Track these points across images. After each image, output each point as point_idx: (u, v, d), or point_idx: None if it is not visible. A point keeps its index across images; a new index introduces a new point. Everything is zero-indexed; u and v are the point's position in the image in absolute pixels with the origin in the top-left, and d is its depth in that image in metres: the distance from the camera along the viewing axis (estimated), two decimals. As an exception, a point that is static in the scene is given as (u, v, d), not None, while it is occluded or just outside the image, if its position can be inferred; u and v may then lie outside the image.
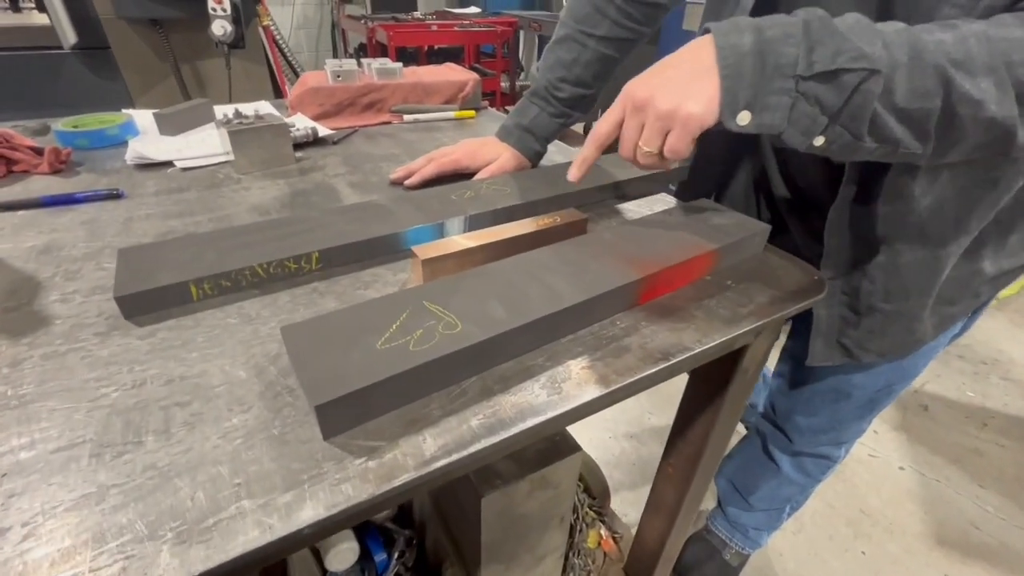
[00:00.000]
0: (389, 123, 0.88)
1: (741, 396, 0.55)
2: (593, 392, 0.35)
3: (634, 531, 0.86)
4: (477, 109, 0.96)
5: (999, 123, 0.36)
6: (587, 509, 0.80)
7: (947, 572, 1.09)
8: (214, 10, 1.35)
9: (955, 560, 1.11)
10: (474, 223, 0.54)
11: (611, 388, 0.35)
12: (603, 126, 0.44)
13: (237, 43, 1.41)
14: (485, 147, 0.67)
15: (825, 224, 0.53)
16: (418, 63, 3.26)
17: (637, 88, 0.40)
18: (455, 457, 0.30)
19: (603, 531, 0.79)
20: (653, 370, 0.37)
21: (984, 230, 0.50)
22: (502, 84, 3.08)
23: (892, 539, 1.15)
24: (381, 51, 2.73)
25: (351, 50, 3.39)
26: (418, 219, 0.51)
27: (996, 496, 1.24)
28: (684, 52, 0.40)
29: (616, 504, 1.17)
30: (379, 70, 0.88)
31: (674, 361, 0.38)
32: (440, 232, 0.52)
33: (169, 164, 0.69)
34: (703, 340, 0.40)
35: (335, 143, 0.78)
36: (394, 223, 0.50)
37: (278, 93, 1.96)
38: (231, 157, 0.68)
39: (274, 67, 1.92)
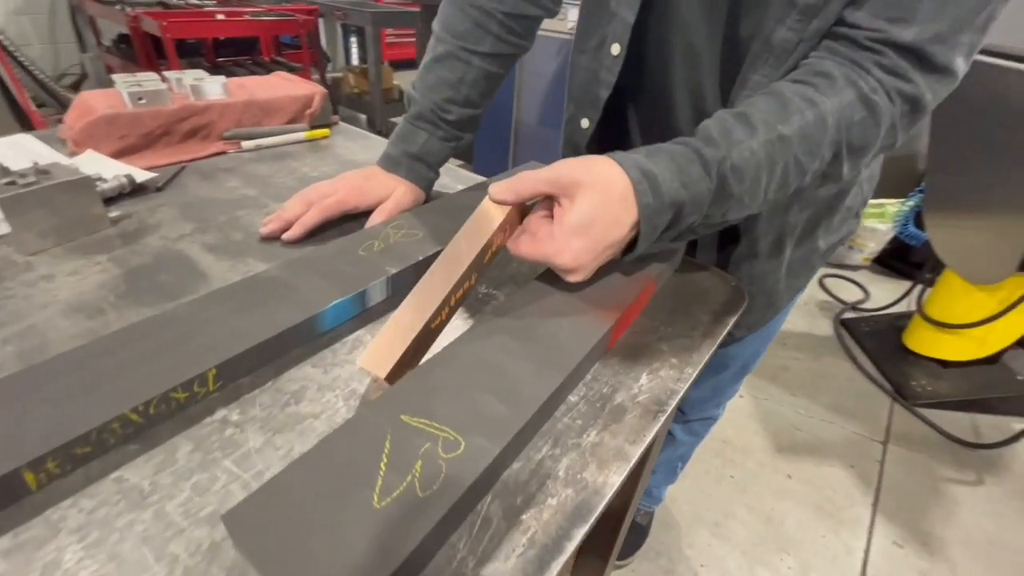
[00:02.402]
0: (224, 153, 0.71)
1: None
2: (619, 473, 0.31)
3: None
4: (328, 126, 0.83)
5: (830, 175, 0.43)
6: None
7: (789, 473, 1.33)
8: None
9: (791, 460, 1.36)
10: (396, 282, 0.45)
11: (632, 462, 0.32)
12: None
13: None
14: (372, 181, 0.57)
15: None
16: (204, 58, 2.76)
17: (577, 258, 0.38)
18: (519, 621, 0.24)
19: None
20: (658, 426, 0.35)
21: (818, 216, 0.59)
22: (313, 78, 2.78)
23: (748, 458, 1.36)
24: (153, 44, 2.23)
25: (107, 42, 2.72)
26: (332, 292, 0.41)
27: (804, 400, 1.55)
28: (612, 211, 0.37)
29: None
30: (196, 87, 0.69)
31: (669, 408, 0.37)
32: (361, 303, 0.43)
33: None
34: (682, 377, 0.39)
35: (159, 189, 0.60)
36: (303, 303, 0.40)
37: (20, 115, 1.46)
38: (5, 230, 0.47)
39: (6, 77, 1.43)
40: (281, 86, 0.80)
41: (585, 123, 0.61)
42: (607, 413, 0.36)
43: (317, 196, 0.54)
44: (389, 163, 0.59)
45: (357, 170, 0.59)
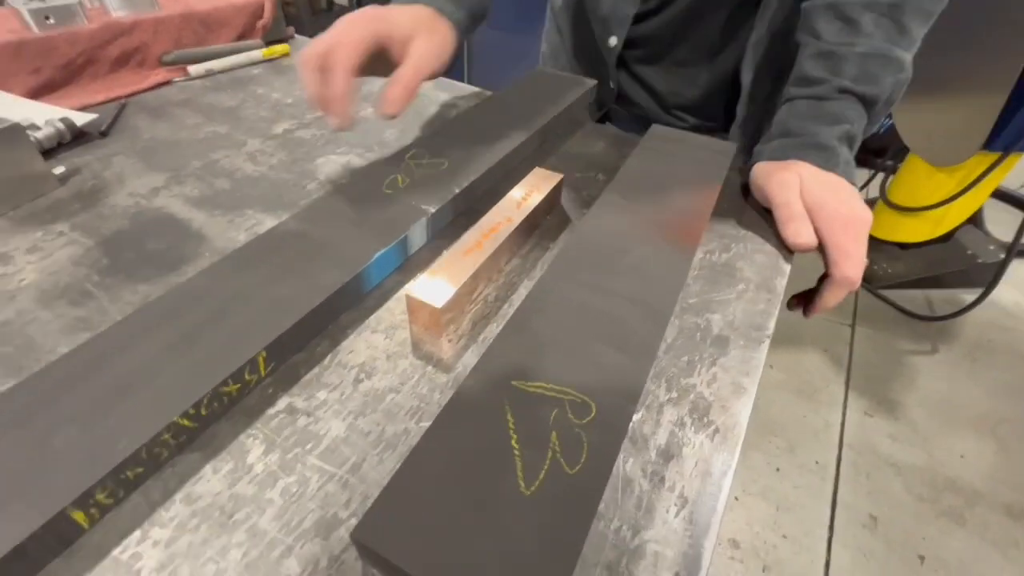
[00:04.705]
0: (169, 83, 0.58)
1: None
2: (745, 410, 0.29)
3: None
4: (284, 40, 0.70)
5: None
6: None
7: (771, 363, 1.41)
8: None
9: (771, 352, 1.44)
10: (435, 223, 0.39)
11: (753, 392, 0.30)
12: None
13: None
14: (391, 19, 0.39)
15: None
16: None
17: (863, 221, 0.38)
18: (700, 588, 0.22)
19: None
20: (764, 354, 0.33)
21: None
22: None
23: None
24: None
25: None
26: (371, 242, 0.35)
27: (778, 294, 1.62)
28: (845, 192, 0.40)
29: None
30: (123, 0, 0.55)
31: (770, 332, 0.34)
32: (404, 251, 0.37)
33: None
34: (772, 298, 0.36)
35: (103, 134, 0.49)
36: (343, 259, 0.33)
37: None
38: (-80, 205, 0.37)
39: None
40: (218, -8, 0.65)
41: (613, 41, 0.58)
42: (710, 345, 0.33)
43: (344, 60, 0.36)
44: None
45: (354, 11, 0.40)
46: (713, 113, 0.63)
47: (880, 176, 1.69)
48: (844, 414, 1.30)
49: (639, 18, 0.58)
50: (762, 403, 1.31)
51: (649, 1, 0.57)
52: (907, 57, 0.41)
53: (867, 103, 0.41)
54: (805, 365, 1.41)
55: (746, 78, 0.56)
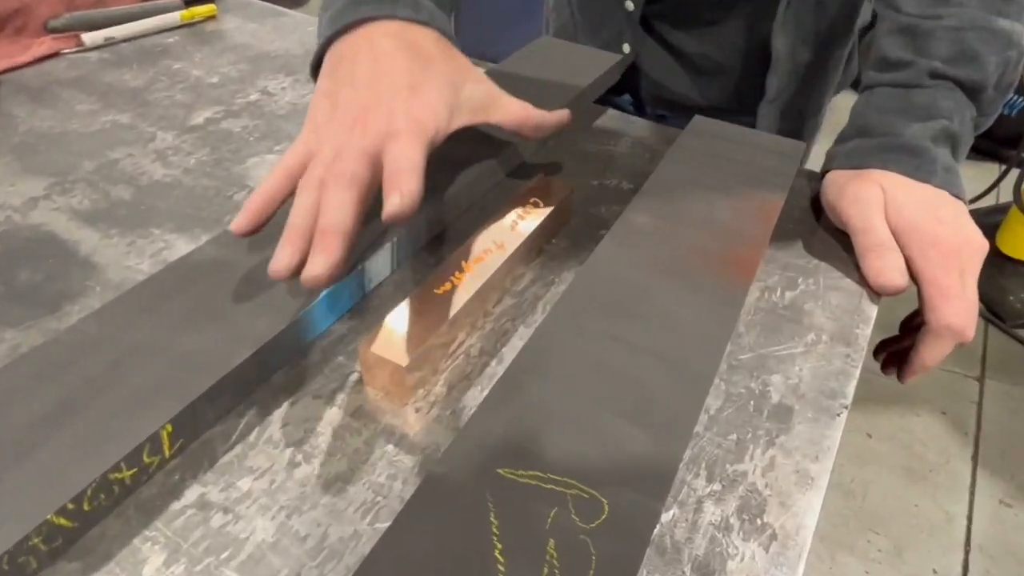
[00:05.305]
0: (56, 55, 0.61)
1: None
2: (812, 508, 0.30)
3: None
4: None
5: None
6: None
7: (868, 431, 1.41)
8: None
9: (869, 415, 1.44)
10: (402, 252, 0.41)
11: (824, 484, 0.31)
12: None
13: None
14: (436, 67, 0.40)
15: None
16: None
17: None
18: None
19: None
20: (838, 430, 0.33)
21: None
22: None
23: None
24: None
25: None
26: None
27: (876, 335, 1.63)
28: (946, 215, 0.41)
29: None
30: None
31: (848, 400, 0.35)
32: (360, 288, 0.38)
33: None
34: (852, 351, 0.38)
35: (-33, 123, 0.51)
36: (276, 298, 0.34)
37: None
38: None
39: None
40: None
41: (630, 5, 0.63)
42: (767, 419, 0.34)
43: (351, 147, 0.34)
44: (412, 8, 0.41)
45: (388, 64, 0.38)
46: (743, 86, 0.67)
47: (1014, 174, 1.71)
48: (972, 502, 1.29)
49: None
50: (857, 487, 1.31)
51: None
52: (1016, 28, 0.43)
53: (969, 90, 0.43)
54: (916, 434, 1.41)
55: (779, 43, 0.60)
